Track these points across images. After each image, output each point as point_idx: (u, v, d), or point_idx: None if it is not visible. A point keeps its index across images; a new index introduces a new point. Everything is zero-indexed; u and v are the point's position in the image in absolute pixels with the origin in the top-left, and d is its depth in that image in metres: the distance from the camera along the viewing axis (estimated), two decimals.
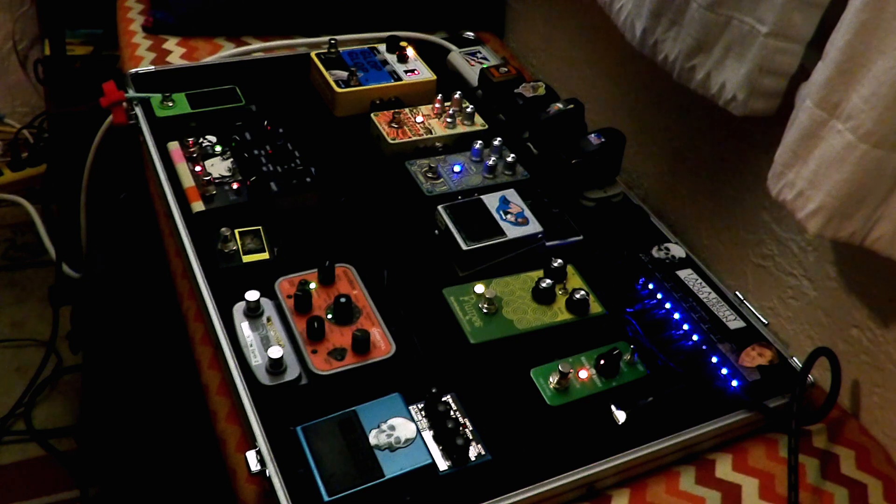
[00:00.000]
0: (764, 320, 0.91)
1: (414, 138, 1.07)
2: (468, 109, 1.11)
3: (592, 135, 1.03)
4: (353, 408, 0.73)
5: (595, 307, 0.88)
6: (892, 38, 0.68)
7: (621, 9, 1.01)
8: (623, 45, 1.02)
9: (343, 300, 0.80)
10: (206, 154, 1.00)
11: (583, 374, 0.81)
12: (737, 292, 0.94)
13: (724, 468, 0.81)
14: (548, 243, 0.96)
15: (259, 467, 0.69)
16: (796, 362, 0.87)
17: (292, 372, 0.75)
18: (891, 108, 0.69)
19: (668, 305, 0.90)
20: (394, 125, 1.08)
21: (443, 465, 0.71)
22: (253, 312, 0.80)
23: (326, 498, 0.67)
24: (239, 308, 0.81)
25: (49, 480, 0.99)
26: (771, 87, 0.86)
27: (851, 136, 0.72)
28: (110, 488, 1.00)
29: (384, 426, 0.71)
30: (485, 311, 0.85)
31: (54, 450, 0.99)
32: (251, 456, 0.70)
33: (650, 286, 0.92)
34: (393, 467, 0.69)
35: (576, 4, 1.28)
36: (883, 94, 0.69)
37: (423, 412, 0.75)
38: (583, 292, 0.86)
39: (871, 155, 0.71)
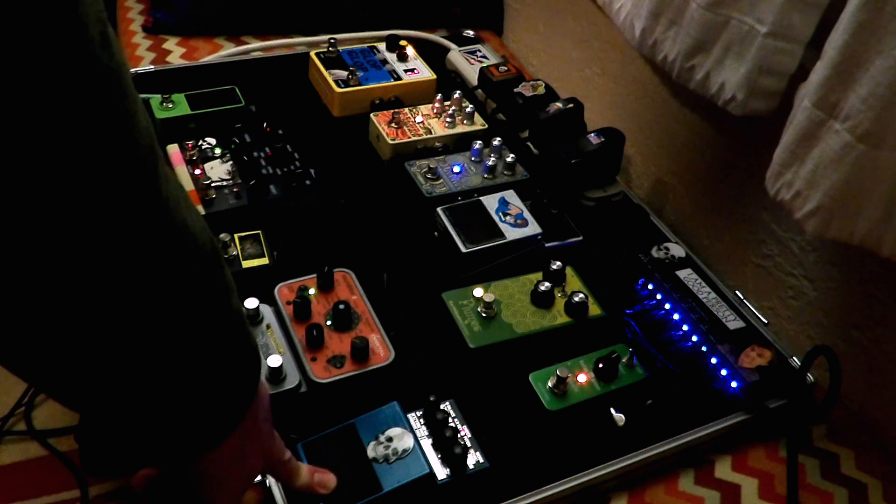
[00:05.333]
0: (764, 320, 0.91)
1: (414, 138, 1.07)
2: (468, 109, 1.11)
3: (592, 134, 1.02)
4: (351, 420, 0.73)
5: (594, 309, 0.88)
6: (890, 39, 0.67)
7: (621, 8, 1.01)
8: (623, 45, 1.02)
9: (342, 307, 0.80)
10: (206, 157, 1.00)
11: (581, 377, 0.81)
12: (737, 292, 0.94)
13: (723, 468, 0.81)
14: (547, 244, 0.96)
15: (259, 477, 0.69)
16: (796, 362, 0.87)
17: (292, 380, 0.75)
18: (889, 108, 0.68)
19: (667, 306, 0.90)
20: (393, 125, 1.08)
21: (441, 473, 0.71)
22: (252, 320, 0.80)
23: None
24: None
25: (49, 480, 0.99)
26: (770, 86, 0.86)
27: (849, 137, 0.71)
28: (110, 488, 1.01)
29: (382, 437, 0.72)
30: (483, 315, 0.85)
31: (54, 450, 1.00)
32: None
33: (650, 286, 0.92)
34: (391, 480, 0.69)
35: (576, 4, 1.28)
36: (881, 94, 0.68)
37: (421, 419, 0.75)
38: (582, 295, 0.86)
39: (869, 155, 0.71)
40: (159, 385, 0.46)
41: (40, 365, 0.43)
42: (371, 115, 1.09)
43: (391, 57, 1.22)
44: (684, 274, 0.95)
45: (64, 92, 0.34)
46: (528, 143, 1.10)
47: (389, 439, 0.72)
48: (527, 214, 0.96)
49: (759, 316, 0.91)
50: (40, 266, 0.37)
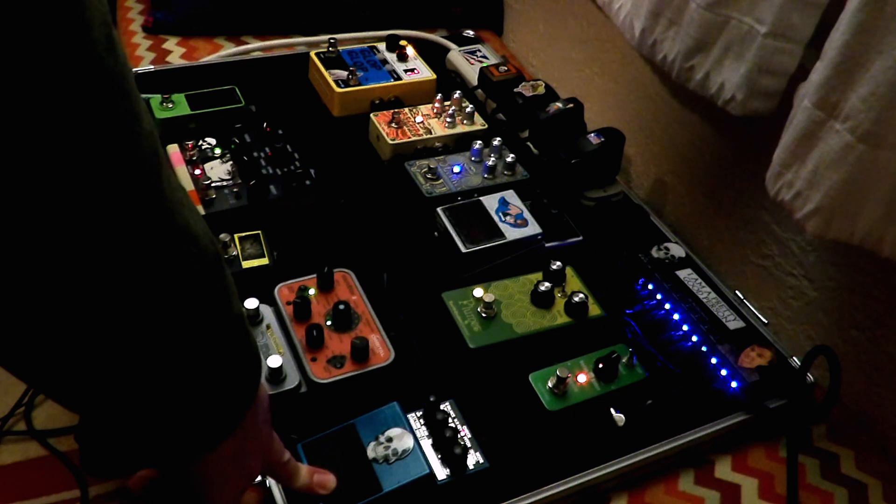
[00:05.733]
0: (764, 320, 0.91)
1: (414, 138, 1.07)
2: (468, 109, 1.11)
3: (592, 134, 1.02)
4: (351, 420, 0.73)
5: (594, 309, 0.88)
6: (889, 38, 0.67)
7: (620, 8, 1.01)
8: (623, 44, 1.02)
9: (342, 307, 0.80)
10: (206, 157, 1.00)
11: (581, 378, 0.81)
12: (737, 292, 0.94)
13: (723, 468, 0.81)
14: (547, 244, 0.96)
15: (259, 478, 0.69)
16: (796, 362, 0.87)
17: (292, 380, 0.75)
18: (889, 108, 0.68)
19: (667, 306, 0.90)
20: (393, 125, 1.08)
21: (441, 474, 0.71)
22: (252, 320, 0.80)
23: None
24: None
25: (49, 480, 0.98)
26: (770, 86, 0.86)
27: (850, 137, 0.71)
28: (110, 488, 1.01)
29: (382, 438, 0.72)
30: (483, 315, 0.85)
31: (54, 450, 0.99)
32: None
33: (650, 286, 0.92)
34: (391, 480, 0.69)
35: (576, 4, 1.28)
36: (881, 94, 0.68)
37: (421, 420, 0.75)
38: (581, 295, 0.86)
39: (869, 155, 0.71)
40: (159, 387, 0.46)
41: (41, 367, 0.43)
42: (371, 115, 1.10)
43: (391, 57, 1.22)
44: (684, 274, 0.95)
45: (67, 93, 0.34)
46: (528, 143, 1.10)
47: (389, 439, 0.72)
48: (527, 214, 0.96)
49: (759, 316, 0.91)
50: (41, 267, 0.37)
